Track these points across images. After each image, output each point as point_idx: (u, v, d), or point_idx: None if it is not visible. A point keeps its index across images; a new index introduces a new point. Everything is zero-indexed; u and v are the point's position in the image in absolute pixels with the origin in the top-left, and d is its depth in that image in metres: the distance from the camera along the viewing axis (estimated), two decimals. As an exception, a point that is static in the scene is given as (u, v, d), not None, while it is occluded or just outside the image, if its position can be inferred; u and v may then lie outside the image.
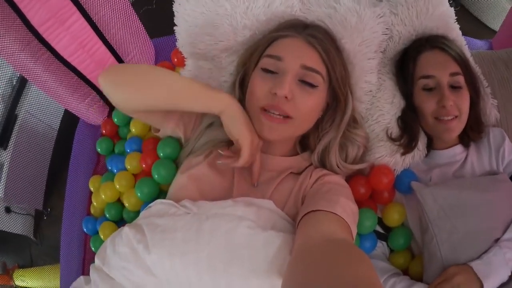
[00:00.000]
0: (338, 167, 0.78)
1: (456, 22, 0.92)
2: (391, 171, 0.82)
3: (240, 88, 0.81)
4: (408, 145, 0.83)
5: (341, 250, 0.50)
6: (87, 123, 1.18)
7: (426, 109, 0.82)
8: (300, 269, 0.49)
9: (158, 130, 0.83)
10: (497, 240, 0.71)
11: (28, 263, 1.59)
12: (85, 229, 0.99)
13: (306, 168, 0.78)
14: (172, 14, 0.85)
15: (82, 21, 0.88)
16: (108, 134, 1.09)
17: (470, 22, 0.96)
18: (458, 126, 0.81)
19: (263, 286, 0.57)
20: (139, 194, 0.84)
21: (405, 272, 0.82)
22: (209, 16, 0.80)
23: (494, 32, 1.90)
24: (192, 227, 0.61)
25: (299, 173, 0.76)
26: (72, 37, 0.88)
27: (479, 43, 1.24)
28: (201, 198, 0.68)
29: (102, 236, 0.93)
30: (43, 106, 1.48)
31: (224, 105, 0.70)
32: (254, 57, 0.77)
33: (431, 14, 0.87)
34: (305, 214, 0.63)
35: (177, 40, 0.87)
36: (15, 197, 1.42)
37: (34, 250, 1.61)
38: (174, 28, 0.86)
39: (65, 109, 1.49)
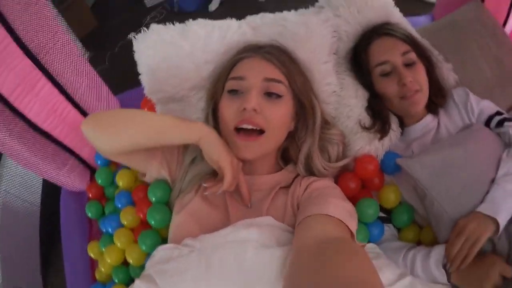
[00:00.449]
0: (325, 169, 0.84)
1: (395, 6, 1.02)
2: (373, 157, 0.90)
3: (213, 118, 0.86)
4: (382, 129, 0.91)
5: (331, 249, 0.52)
6: (69, 191, 1.18)
7: (389, 92, 0.90)
8: (293, 274, 0.52)
9: (145, 175, 0.87)
10: (493, 180, 0.77)
11: None
12: (94, 297, 0.99)
13: (294, 179, 0.83)
14: (129, 68, 0.89)
15: (50, 85, 0.91)
16: (94, 197, 1.10)
17: (408, 2, 1.04)
18: (421, 99, 0.89)
19: None
20: (143, 248, 0.86)
21: (418, 245, 0.86)
22: (171, 59, 0.87)
23: (432, 4, 2.03)
24: (200, 264, 0.62)
25: (289, 186, 0.81)
26: (42, 103, 0.91)
27: (422, 19, 1.35)
28: (201, 231, 0.71)
29: (115, 302, 0.92)
30: (21, 183, 1.46)
31: (201, 132, 0.75)
32: (219, 84, 0.84)
33: (371, 6, 0.98)
34: (299, 223, 0.66)
35: (144, 88, 0.91)
36: (13, 281, 1.38)
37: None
38: (139, 77, 0.90)
39: (44, 183, 1.49)
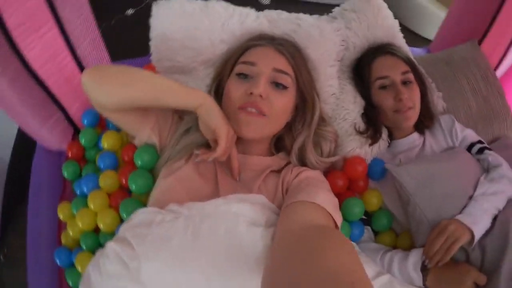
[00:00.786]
0: (317, 162, 0.89)
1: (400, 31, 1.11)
2: (363, 160, 0.97)
3: (215, 95, 0.89)
4: (374, 136, 0.98)
5: (317, 236, 0.53)
6: (45, 149, 1.14)
7: (386, 105, 0.98)
8: (278, 258, 0.52)
9: (134, 138, 0.87)
10: (471, 196, 0.85)
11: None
12: (58, 262, 0.93)
13: (286, 165, 0.87)
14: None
15: (56, 31, 0.89)
16: (74, 158, 1.07)
17: (406, 34, 1.12)
18: (413, 115, 0.98)
19: None
20: (125, 216, 0.83)
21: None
22: (189, 30, 0.89)
23: (425, 40, 2.15)
24: (187, 231, 0.61)
25: (279, 171, 0.85)
26: (44, 47, 0.89)
27: (418, 50, 1.43)
28: (188, 199, 0.70)
29: (79, 268, 0.88)
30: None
31: (202, 99, 0.77)
32: (229, 65, 0.88)
33: (381, 25, 1.06)
34: (285, 207, 0.68)
35: (152, 55, 0.92)
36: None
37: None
38: (150, 43, 0.90)
39: (16, 139, 1.42)
